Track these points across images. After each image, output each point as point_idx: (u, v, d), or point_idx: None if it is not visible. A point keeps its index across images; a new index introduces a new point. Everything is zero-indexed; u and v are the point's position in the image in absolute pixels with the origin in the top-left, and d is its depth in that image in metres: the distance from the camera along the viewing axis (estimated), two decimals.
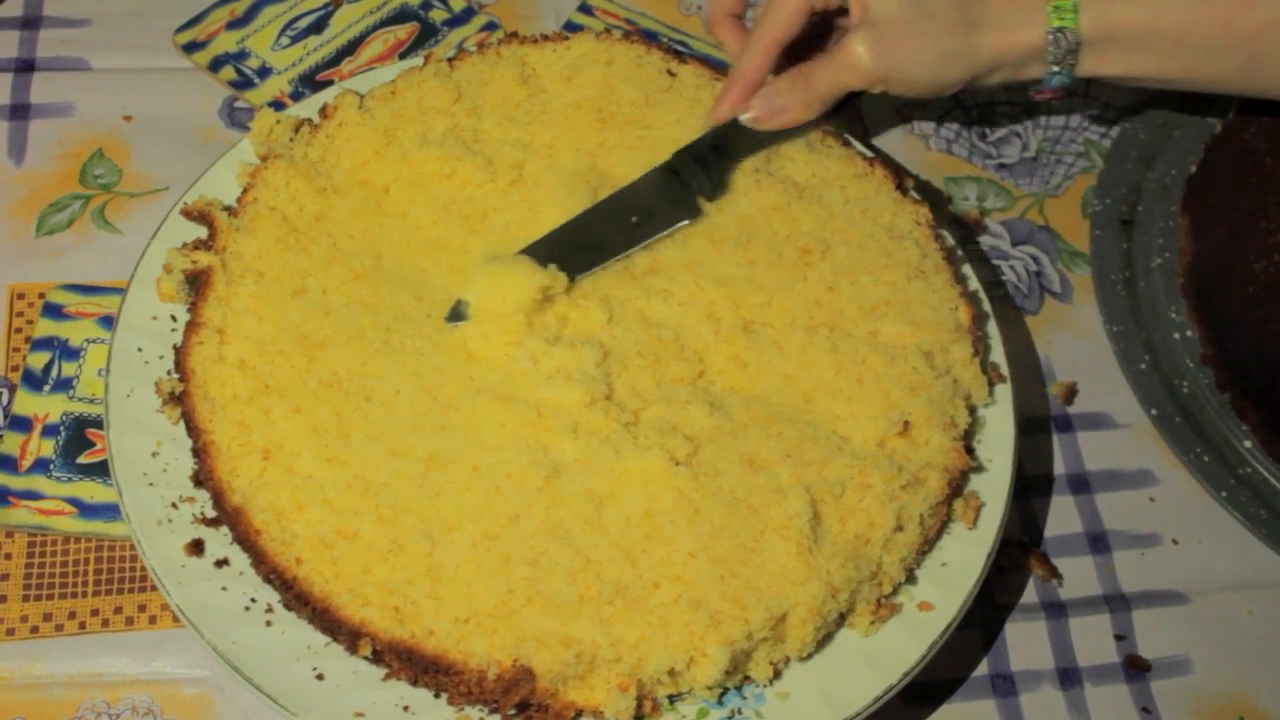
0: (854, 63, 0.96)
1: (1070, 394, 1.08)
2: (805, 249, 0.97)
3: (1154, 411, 1.05)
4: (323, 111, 1.02)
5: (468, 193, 0.99)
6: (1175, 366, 1.06)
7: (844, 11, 1.00)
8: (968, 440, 0.92)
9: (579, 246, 0.95)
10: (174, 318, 0.94)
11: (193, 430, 0.88)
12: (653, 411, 0.89)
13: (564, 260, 0.94)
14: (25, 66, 1.16)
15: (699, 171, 0.98)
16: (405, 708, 0.81)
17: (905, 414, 0.90)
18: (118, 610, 0.92)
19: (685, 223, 0.97)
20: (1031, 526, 1.02)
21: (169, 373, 0.91)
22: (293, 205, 0.97)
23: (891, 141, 1.20)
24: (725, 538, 0.84)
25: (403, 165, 1.00)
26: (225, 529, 0.86)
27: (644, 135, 1.03)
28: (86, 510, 0.94)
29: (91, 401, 0.98)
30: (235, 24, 1.20)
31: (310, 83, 1.17)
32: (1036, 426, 1.06)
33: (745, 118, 0.98)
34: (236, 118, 1.15)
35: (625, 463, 0.86)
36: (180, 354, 0.91)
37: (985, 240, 1.16)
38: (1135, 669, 0.96)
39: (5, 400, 0.99)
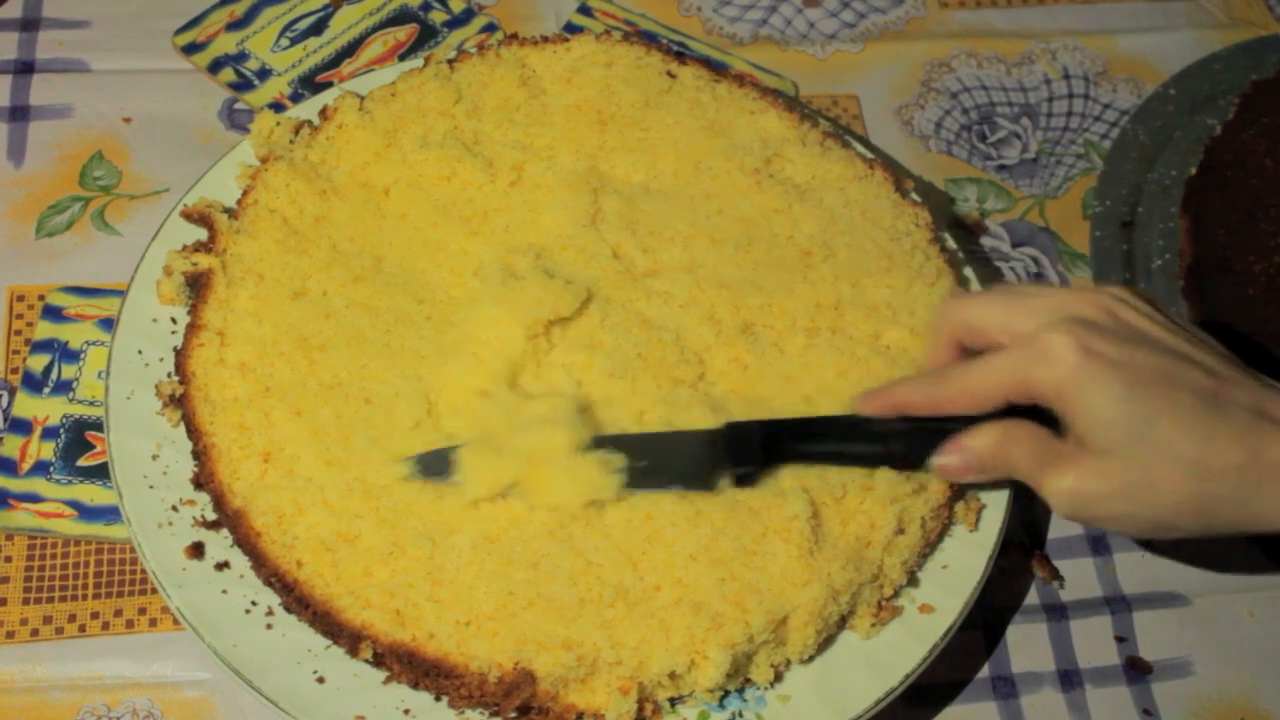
0: (1055, 496, 0.78)
1: None
2: (806, 251, 0.97)
3: None
4: (322, 113, 1.02)
5: (468, 194, 0.99)
6: None
7: None
8: None
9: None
10: (174, 320, 0.94)
11: (193, 433, 0.88)
12: (654, 414, 0.89)
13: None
14: (24, 68, 1.16)
15: (754, 455, 0.85)
16: (406, 711, 0.81)
17: None
18: (118, 613, 0.92)
19: (681, 489, 0.86)
20: (1032, 529, 1.02)
21: (169, 375, 0.91)
22: (293, 207, 0.97)
23: (891, 142, 1.20)
24: (726, 540, 0.84)
25: (403, 167, 1.00)
26: (226, 532, 0.86)
27: (644, 137, 1.03)
28: (86, 513, 0.94)
29: (91, 404, 0.98)
30: (235, 25, 1.19)
31: (310, 84, 1.17)
32: None
33: (937, 463, 0.81)
34: (236, 119, 1.15)
35: None
36: (180, 356, 0.91)
37: (985, 241, 1.16)
38: (1136, 671, 0.96)
39: (5, 403, 0.99)
